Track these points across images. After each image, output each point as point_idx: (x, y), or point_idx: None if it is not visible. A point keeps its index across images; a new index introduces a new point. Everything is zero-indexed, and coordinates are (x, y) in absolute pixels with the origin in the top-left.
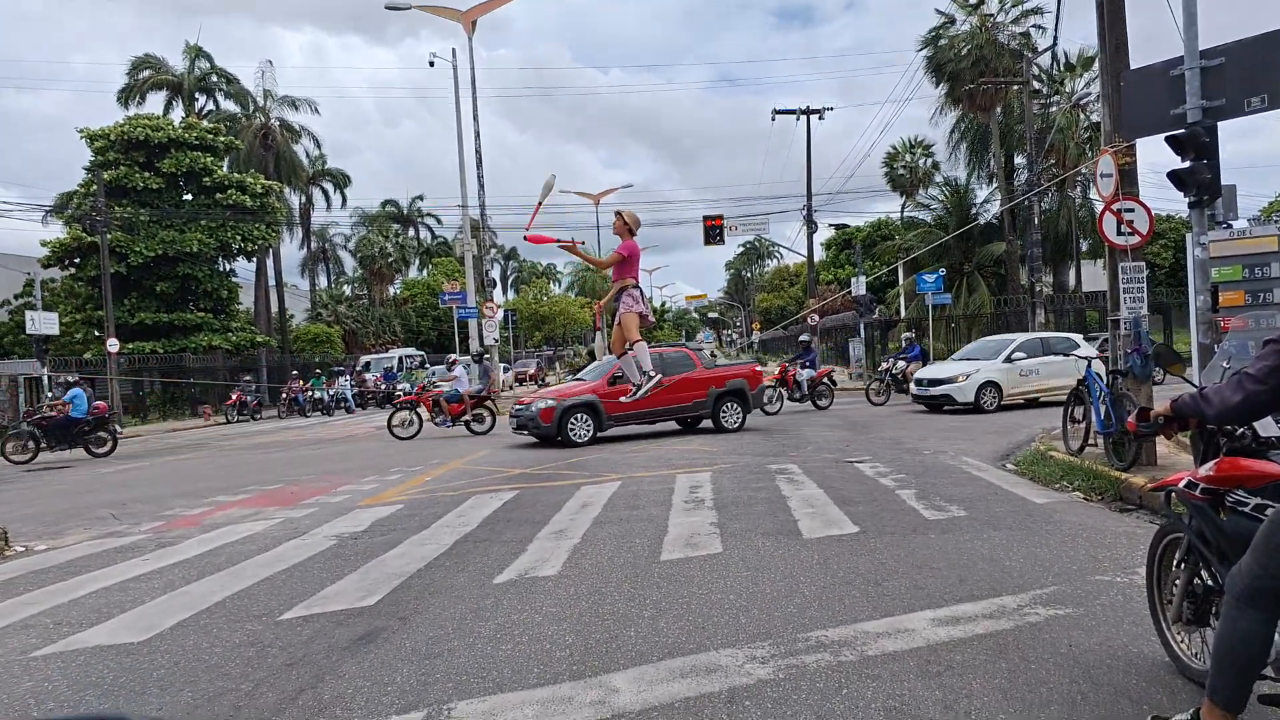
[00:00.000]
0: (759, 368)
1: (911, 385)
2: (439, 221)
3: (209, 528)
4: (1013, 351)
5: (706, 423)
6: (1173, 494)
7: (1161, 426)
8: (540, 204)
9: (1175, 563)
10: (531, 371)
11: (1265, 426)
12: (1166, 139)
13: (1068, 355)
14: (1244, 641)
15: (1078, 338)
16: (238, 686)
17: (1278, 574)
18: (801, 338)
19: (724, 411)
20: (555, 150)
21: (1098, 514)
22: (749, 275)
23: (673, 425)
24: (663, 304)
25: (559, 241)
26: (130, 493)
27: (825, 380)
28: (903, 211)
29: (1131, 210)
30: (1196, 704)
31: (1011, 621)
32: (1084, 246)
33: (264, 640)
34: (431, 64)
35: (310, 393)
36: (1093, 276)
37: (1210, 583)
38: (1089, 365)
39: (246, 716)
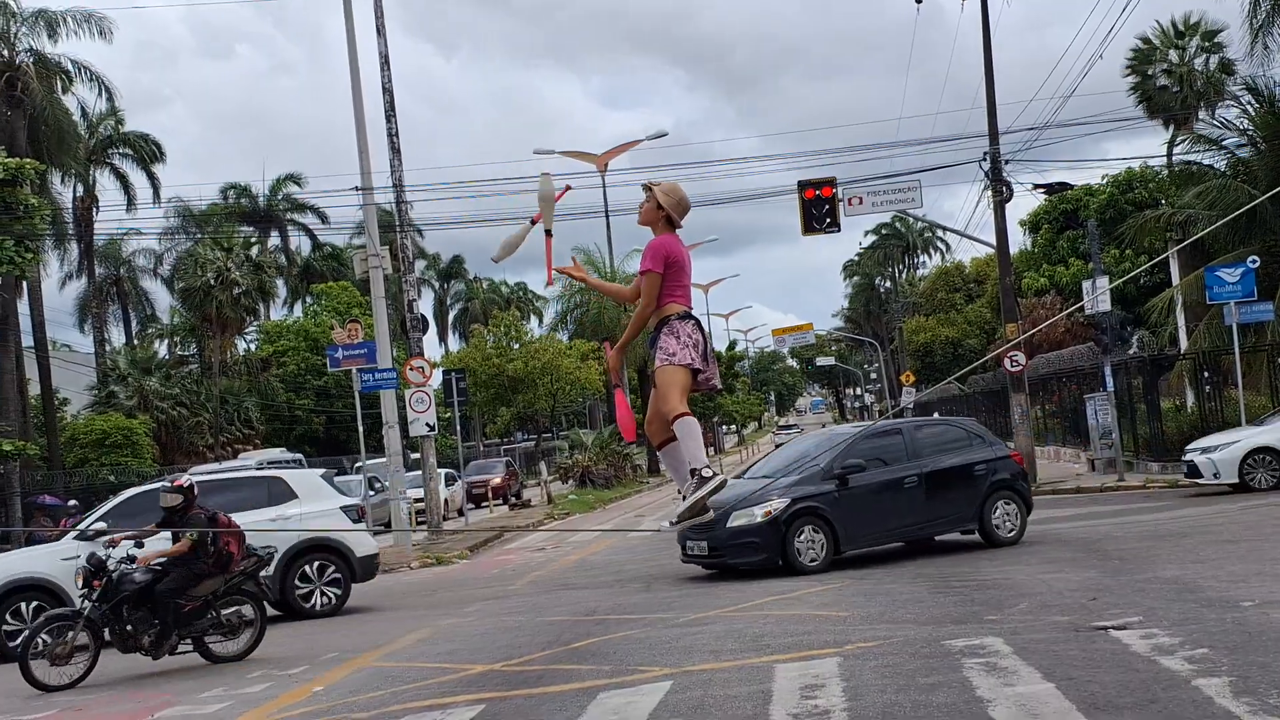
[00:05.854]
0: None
1: None
2: (323, 220)
3: None
4: None
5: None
6: None
7: None
8: (540, 218)
9: None
10: (497, 480)
11: None
12: None
13: None
14: None
15: None
16: None
17: None
18: None
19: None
20: (510, 82)
21: None
22: (888, 286)
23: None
24: (731, 344)
25: (559, 272)
26: None
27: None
28: (1170, 153)
29: None
30: None
31: None
32: None
33: None
34: None
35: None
36: None
37: None
38: None
39: None
